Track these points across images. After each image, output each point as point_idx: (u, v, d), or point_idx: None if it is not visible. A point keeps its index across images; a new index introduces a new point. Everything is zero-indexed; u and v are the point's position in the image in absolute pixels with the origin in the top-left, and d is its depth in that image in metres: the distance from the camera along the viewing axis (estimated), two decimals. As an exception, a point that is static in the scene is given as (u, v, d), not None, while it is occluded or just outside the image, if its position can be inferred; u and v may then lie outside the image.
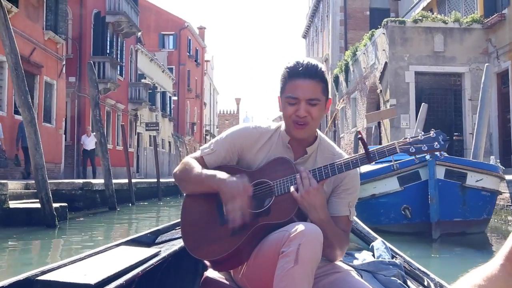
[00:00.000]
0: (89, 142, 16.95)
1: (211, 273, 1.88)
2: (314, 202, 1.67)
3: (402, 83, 15.50)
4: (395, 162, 6.95)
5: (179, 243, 2.31)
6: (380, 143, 15.56)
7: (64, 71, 18.42)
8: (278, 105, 1.82)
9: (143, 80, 28.16)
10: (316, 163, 1.80)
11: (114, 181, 13.04)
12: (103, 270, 1.81)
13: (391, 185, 7.04)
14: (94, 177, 16.15)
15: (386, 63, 15.71)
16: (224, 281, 1.85)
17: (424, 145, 1.66)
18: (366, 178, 7.09)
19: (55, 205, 8.34)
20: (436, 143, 1.66)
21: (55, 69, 17.73)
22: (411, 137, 1.68)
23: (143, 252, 2.18)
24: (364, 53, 18.47)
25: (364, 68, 18.49)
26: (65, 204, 9.07)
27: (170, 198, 19.51)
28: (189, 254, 1.79)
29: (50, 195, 8.04)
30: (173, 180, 2.21)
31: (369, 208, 7.23)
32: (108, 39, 23.01)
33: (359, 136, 1.84)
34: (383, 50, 15.99)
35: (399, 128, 15.28)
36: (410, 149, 1.66)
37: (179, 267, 2.39)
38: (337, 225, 1.75)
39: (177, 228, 2.64)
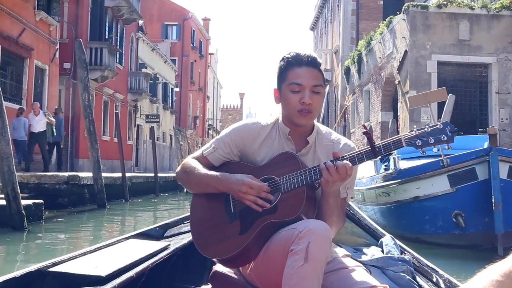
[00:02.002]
0: (37, 122, 12.76)
1: (219, 267, 1.88)
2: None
3: (423, 74, 14.21)
4: (445, 157, 5.57)
5: (188, 237, 2.35)
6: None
7: (57, 55, 17.16)
8: (274, 98, 1.86)
9: (143, 70, 26.86)
10: (316, 152, 1.82)
11: (106, 174, 11.81)
12: (113, 262, 1.84)
13: (440, 185, 5.59)
14: (45, 169, 12.48)
15: (406, 51, 14.41)
16: (233, 275, 1.85)
17: (431, 137, 1.62)
18: (408, 175, 5.71)
19: (27, 202, 7.04)
20: (443, 135, 1.62)
21: (48, 53, 16.47)
22: (418, 130, 1.64)
23: (152, 246, 2.20)
24: (380, 42, 17.17)
25: (380, 58, 17.19)
26: (40, 201, 7.71)
27: (169, 194, 18.25)
28: None
29: (18, 191, 6.66)
30: (172, 174, 1.82)
31: (411, 214, 5.83)
32: (107, 25, 21.71)
33: (364, 130, 1.70)
34: (403, 37, 14.69)
35: (419, 122, 13.97)
36: (417, 142, 1.63)
37: (188, 261, 2.43)
38: None
39: (186, 222, 2.67)
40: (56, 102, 17.54)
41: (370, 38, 18.40)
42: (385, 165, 7.47)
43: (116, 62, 22.03)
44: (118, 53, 22.47)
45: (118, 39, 23.18)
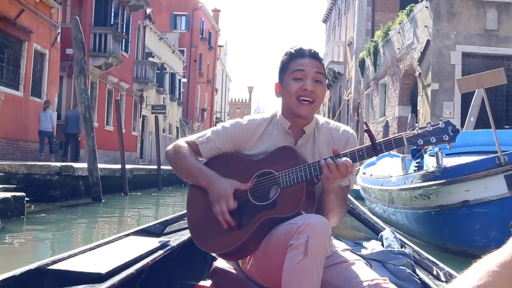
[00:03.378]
0: None
1: (220, 263, 1.89)
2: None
3: (446, 65, 13.26)
4: (503, 153, 4.62)
5: (188, 234, 2.33)
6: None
7: (59, 40, 16.33)
8: (275, 92, 1.85)
9: (150, 59, 25.99)
10: (315, 141, 1.82)
11: (104, 166, 10.98)
12: (113, 259, 1.83)
13: (495, 187, 4.63)
14: None
15: (428, 41, 13.45)
16: (233, 271, 1.86)
17: (433, 137, 1.60)
18: (456, 175, 4.74)
19: (5, 194, 6.18)
20: (445, 135, 1.59)
21: (48, 37, 15.62)
22: (420, 128, 1.62)
23: (152, 242, 2.21)
24: (399, 32, 16.20)
25: (399, 49, 16.22)
26: (22, 193, 6.83)
27: (172, 188, 17.41)
28: None
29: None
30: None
31: (457, 222, 4.85)
32: (113, 10, 20.82)
33: (365, 128, 1.64)
34: (425, 26, 13.73)
35: (441, 117, 12.98)
36: (418, 141, 1.61)
37: (188, 257, 2.43)
38: None
39: (186, 218, 2.55)
40: (57, 88, 16.75)
41: (388, 29, 17.45)
42: (417, 162, 6.52)
43: (122, 49, 21.22)
44: (123, 40, 21.67)
45: (124, 26, 22.32)
